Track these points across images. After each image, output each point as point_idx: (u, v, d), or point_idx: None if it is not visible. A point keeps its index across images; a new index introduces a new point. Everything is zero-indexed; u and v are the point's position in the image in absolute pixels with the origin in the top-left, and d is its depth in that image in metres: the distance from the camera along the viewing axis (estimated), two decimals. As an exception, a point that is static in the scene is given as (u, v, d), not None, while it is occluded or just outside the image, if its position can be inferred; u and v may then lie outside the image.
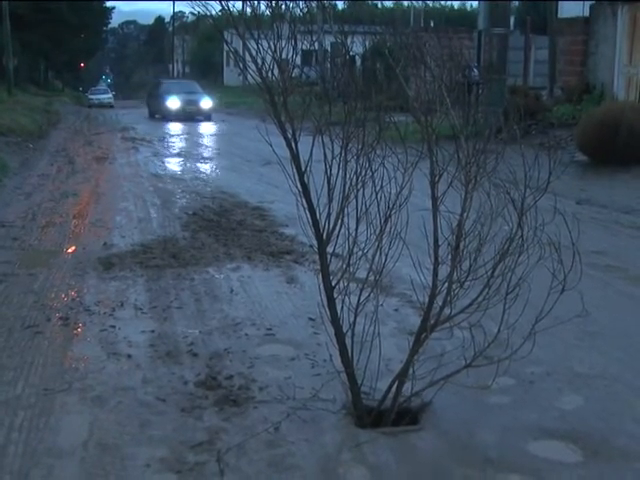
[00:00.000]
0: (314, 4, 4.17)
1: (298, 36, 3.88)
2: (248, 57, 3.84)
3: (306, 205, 3.96)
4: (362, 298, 4.05)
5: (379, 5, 47.72)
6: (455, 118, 3.90)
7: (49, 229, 9.25)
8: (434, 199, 3.90)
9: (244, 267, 7.35)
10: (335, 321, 4.08)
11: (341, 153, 3.89)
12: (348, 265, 4.03)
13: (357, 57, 4.51)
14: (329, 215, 3.94)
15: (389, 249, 3.97)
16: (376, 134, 3.96)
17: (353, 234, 3.99)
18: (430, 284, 3.99)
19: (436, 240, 3.91)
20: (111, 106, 53.40)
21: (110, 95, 60.37)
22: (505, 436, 4.00)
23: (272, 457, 3.75)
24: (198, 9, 4.12)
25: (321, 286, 4.10)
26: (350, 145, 3.90)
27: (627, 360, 5.09)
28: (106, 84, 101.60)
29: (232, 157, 17.56)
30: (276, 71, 3.82)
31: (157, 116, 33.51)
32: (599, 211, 10.66)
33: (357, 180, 3.93)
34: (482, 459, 3.76)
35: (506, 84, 18.35)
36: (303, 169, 3.93)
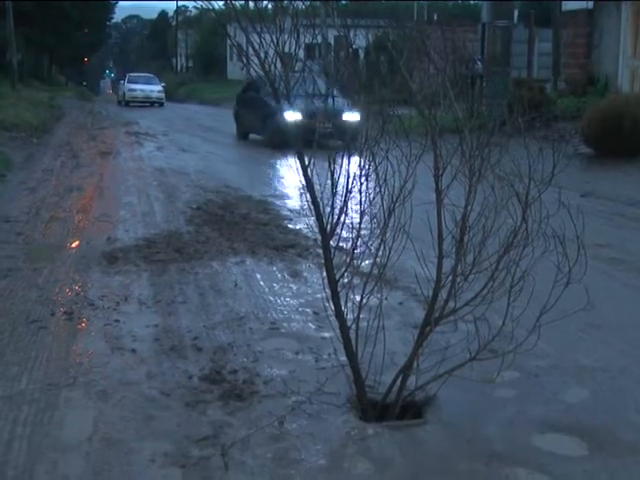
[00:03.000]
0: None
1: (301, 29, 3.87)
2: (251, 51, 3.83)
3: (310, 199, 3.96)
4: (366, 292, 4.04)
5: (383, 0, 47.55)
6: (459, 111, 3.89)
7: (53, 224, 9.24)
8: (438, 192, 3.89)
9: (248, 261, 7.35)
10: (339, 315, 4.07)
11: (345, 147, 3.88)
12: (352, 259, 4.03)
13: (360, 50, 4.50)
14: (333, 209, 3.94)
15: (393, 242, 3.97)
16: (379, 127, 3.95)
17: (357, 228, 3.99)
18: (434, 277, 3.98)
19: (440, 233, 3.90)
20: (161, 104, 40.06)
21: (160, 87, 42.28)
22: (510, 429, 4.00)
23: (277, 451, 3.75)
24: (201, 3, 4.12)
25: (325, 280, 4.09)
26: (354, 138, 3.89)
27: (632, 352, 5.07)
28: (110, 78, 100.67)
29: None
30: (279, 64, 3.82)
31: (254, 136, 19.82)
32: (603, 203, 10.65)
33: (361, 173, 3.93)
34: (487, 453, 3.75)
35: (510, 77, 18.33)
36: (306, 163, 3.92)
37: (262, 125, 18.25)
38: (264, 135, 18.57)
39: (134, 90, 40.15)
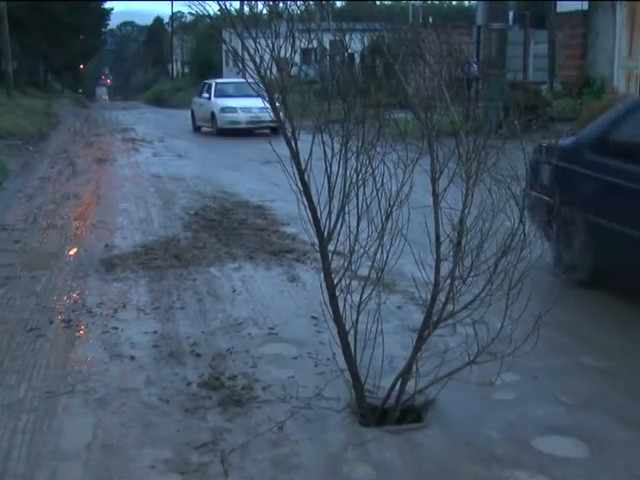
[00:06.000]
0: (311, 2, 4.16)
1: (296, 34, 3.87)
2: (247, 56, 3.83)
3: (307, 204, 3.95)
4: (364, 296, 4.04)
5: (377, 3, 47.60)
6: (455, 114, 3.89)
7: (50, 231, 9.23)
8: (435, 195, 3.89)
9: (246, 266, 7.34)
10: (338, 319, 4.07)
11: (341, 151, 3.88)
12: (350, 263, 4.02)
13: (356, 54, 4.50)
14: (330, 213, 3.93)
15: (391, 246, 3.96)
16: (376, 131, 3.95)
17: (354, 232, 3.98)
18: (432, 281, 3.98)
19: (438, 236, 3.90)
20: (276, 129, 17.13)
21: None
22: (510, 432, 3.99)
23: (276, 457, 3.74)
24: (196, 9, 4.12)
25: (323, 284, 4.09)
26: (350, 143, 3.89)
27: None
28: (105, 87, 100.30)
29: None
30: (275, 69, 3.81)
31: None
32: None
33: (357, 178, 3.92)
34: (487, 456, 3.75)
35: (506, 79, 18.33)
36: (303, 167, 3.92)
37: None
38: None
39: (233, 109, 22.57)
